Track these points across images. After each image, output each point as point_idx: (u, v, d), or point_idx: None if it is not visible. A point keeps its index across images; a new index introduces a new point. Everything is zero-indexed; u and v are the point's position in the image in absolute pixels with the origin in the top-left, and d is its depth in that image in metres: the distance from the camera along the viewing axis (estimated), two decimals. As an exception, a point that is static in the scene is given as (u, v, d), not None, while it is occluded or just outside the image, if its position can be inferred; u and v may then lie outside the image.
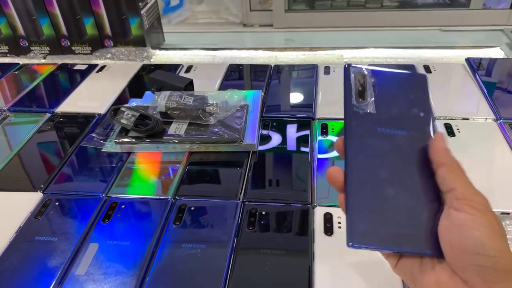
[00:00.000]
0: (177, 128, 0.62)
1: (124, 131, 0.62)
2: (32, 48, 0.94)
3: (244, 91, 0.70)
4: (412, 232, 0.30)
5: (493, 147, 0.59)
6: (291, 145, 0.61)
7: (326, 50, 0.92)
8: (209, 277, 0.44)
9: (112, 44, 0.91)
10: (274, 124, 0.66)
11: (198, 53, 0.94)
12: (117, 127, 0.64)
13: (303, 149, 0.60)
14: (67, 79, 0.84)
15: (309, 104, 0.70)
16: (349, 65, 0.35)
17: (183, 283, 0.44)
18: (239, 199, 0.53)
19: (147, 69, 0.86)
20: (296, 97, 0.73)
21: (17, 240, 0.50)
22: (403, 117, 0.33)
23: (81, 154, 0.63)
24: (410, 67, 0.79)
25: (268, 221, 0.50)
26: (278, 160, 0.59)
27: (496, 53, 0.88)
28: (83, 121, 0.71)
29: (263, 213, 0.51)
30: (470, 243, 0.27)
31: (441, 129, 0.62)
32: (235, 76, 0.82)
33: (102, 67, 0.87)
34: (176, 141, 0.60)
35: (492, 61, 0.80)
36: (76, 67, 0.87)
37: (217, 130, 0.61)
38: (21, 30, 0.92)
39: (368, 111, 0.33)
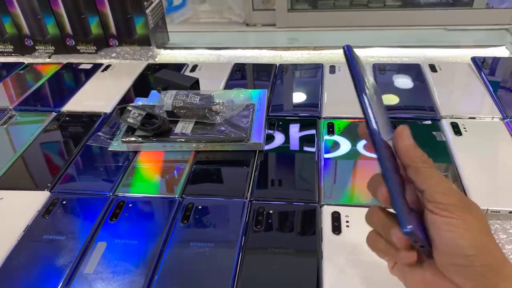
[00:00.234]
0: (184, 127, 0.62)
1: (131, 130, 0.62)
2: (37, 47, 0.94)
3: (250, 90, 0.70)
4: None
5: (500, 146, 0.59)
6: (298, 144, 0.61)
7: (331, 49, 0.92)
8: (217, 276, 0.44)
9: (117, 44, 0.91)
10: (280, 123, 0.66)
11: (203, 52, 0.94)
12: (124, 126, 0.64)
13: (309, 148, 0.60)
14: (72, 79, 0.85)
15: (315, 103, 0.70)
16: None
17: (192, 282, 0.44)
18: (246, 198, 0.53)
19: (152, 68, 0.86)
20: (301, 96, 0.73)
21: (25, 239, 0.50)
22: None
23: (87, 153, 0.63)
24: (415, 66, 0.79)
25: (276, 220, 0.50)
26: (284, 159, 0.59)
27: (502, 52, 0.88)
28: (89, 120, 0.71)
29: (271, 212, 0.51)
30: (446, 243, 0.27)
31: (447, 128, 0.62)
32: (240, 75, 0.82)
33: (107, 67, 0.87)
34: (183, 140, 0.60)
35: (498, 60, 0.80)
36: (81, 67, 0.88)
37: (224, 129, 0.61)
38: (26, 30, 0.92)
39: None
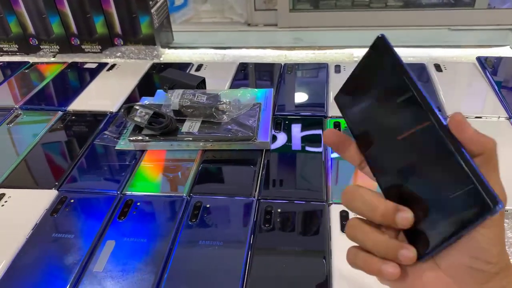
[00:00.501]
0: (191, 126, 0.62)
1: (138, 129, 0.62)
2: (41, 46, 0.94)
3: (256, 89, 0.71)
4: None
5: (507, 145, 0.59)
6: (304, 143, 0.62)
7: (336, 49, 0.92)
8: (227, 274, 0.44)
9: (122, 43, 0.91)
10: (287, 122, 0.66)
11: (208, 51, 0.94)
12: (130, 125, 0.64)
13: (316, 147, 0.61)
14: (78, 78, 0.85)
15: (320, 103, 0.70)
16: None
17: (201, 280, 0.44)
18: (254, 197, 0.53)
19: (157, 67, 0.86)
20: (307, 96, 0.73)
21: (34, 237, 0.50)
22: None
23: (94, 152, 0.63)
24: (420, 66, 0.79)
25: (284, 219, 0.50)
26: (291, 158, 0.59)
27: (506, 51, 0.88)
28: (95, 119, 0.71)
29: (279, 210, 0.51)
30: (474, 246, 0.26)
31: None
32: (246, 74, 0.82)
33: (112, 66, 0.87)
34: (190, 138, 0.60)
35: (503, 60, 0.80)
36: (86, 66, 0.88)
37: (231, 128, 0.61)
38: (31, 29, 0.92)
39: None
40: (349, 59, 0.87)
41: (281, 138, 0.63)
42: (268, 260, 0.45)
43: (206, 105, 0.61)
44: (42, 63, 0.91)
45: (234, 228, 0.49)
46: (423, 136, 0.27)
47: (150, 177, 0.58)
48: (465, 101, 0.69)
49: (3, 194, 0.56)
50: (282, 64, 0.83)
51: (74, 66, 0.88)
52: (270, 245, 0.47)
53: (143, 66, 0.86)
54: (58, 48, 0.94)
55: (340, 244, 0.46)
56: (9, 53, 0.96)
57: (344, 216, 0.49)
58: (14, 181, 0.58)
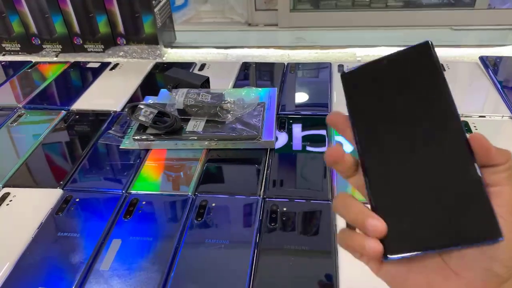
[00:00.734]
0: (195, 125, 0.62)
1: (142, 128, 0.62)
2: (44, 46, 0.94)
3: (260, 88, 0.71)
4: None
5: (511, 144, 0.59)
6: (308, 143, 0.62)
7: (338, 48, 0.92)
8: (233, 272, 0.44)
9: (124, 42, 0.91)
10: (291, 121, 0.66)
11: (210, 51, 0.94)
12: (135, 124, 0.64)
13: (320, 147, 0.61)
14: (81, 77, 0.85)
15: (324, 103, 0.70)
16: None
17: (207, 278, 0.44)
18: (259, 196, 0.53)
19: (160, 67, 0.86)
20: (311, 95, 0.73)
21: (40, 236, 0.50)
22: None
23: (98, 151, 0.63)
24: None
25: (290, 217, 0.50)
26: (296, 157, 0.60)
27: (508, 51, 0.88)
28: (99, 118, 0.71)
29: (284, 209, 0.51)
30: (493, 247, 0.25)
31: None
32: (249, 74, 0.82)
33: (115, 65, 0.87)
34: (195, 138, 0.60)
35: (506, 59, 0.80)
36: (89, 65, 0.88)
37: (235, 127, 0.61)
38: (33, 28, 0.92)
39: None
40: (352, 58, 0.87)
41: (285, 138, 0.63)
42: (274, 258, 0.46)
43: (210, 104, 0.61)
44: (45, 62, 0.91)
45: (239, 226, 0.49)
46: (441, 144, 0.27)
47: (155, 176, 0.58)
48: (468, 100, 0.69)
49: (8, 194, 0.56)
50: (285, 64, 0.83)
51: (76, 65, 0.88)
52: (276, 244, 0.47)
53: (146, 65, 0.86)
54: (61, 47, 0.94)
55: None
56: (12, 53, 0.96)
57: (349, 214, 0.49)
58: (18, 181, 0.58)
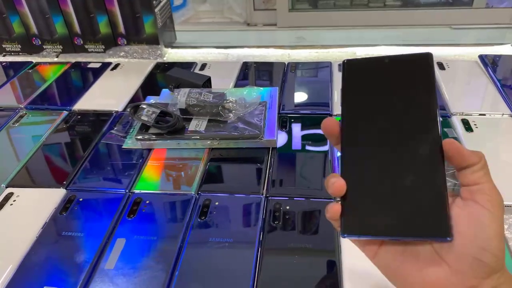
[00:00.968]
0: (197, 124, 0.62)
1: (145, 128, 0.62)
2: (45, 46, 0.94)
3: (261, 88, 0.71)
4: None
5: (511, 142, 0.59)
6: (310, 142, 0.62)
7: (339, 47, 0.92)
8: (237, 270, 0.44)
9: (125, 43, 0.91)
10: (292, 121, 0.66)
11: (211, 51, 0.94)
12: (137, 124, 0.64)
13: (322, 146, 0.61)
14: (82, 77, 0.85)
15: (325, 102, 0.71)
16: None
17: (212, 276, 0.44)
18: (262, 195, 0.53)
19: (161, 67, 0.86)
20: (312, 94, 0.73)
21: (44, 235, 0.50)
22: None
23: (101, 151, 0.63)
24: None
25: (293, 216, 0.50)
26: (298, 156, 0.60)
27: (507, 50, 0.89)
28: (100, 118, 0.71)
29: (287, 208, 0.51)
30: (482, 237, 0.27)
31: (458, 125, 0.63)
32: (250, 73, 0.82)
33: (116, 65, 0.87)
34: (197, 137, 0.60)
35: (505, 58, 0.81)
36: (90, 66, 0.88)
37: (237, 126, 0.61)
38: (34, 29, 0.92)
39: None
40: (352, 57, 0.88)
41: (286, 137, 0.63)
42: (278, 257, 0.46)
43: (212, 104, 0.62)
44: (45, 63, 0.91)
45: (243, 225, 0.50)
46: (416, 145, 0.30)
47: (158, 175, 0.58)
48: (468, 98, 0.70)
49: (11, 194, 0.56)
50: (286, 63, 0.84)
51: (77, 66, 0.89)
52: (280, 243, 0.47)
53: (147, 65, 0.87)
54: (61, 48, 0.94)
55: (349, 242, 0.46)
56: (12, 53, 0.96)
57: (352, 212, 0.50)
58: (21, 181, 0.59)
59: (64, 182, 0.57)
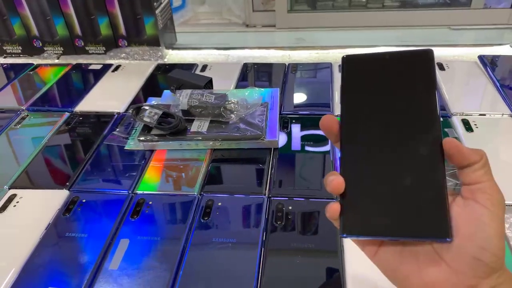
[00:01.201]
0: (200, 125, 0.62)
1: (147, 129, 0.62)
2: (45, 48, 0.95)
3: (263, 89, 0.71)
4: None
5: (511, 141, 0.60)
6: (312, 142, 0.62)
7: (339, 48, 0.93)
8: (241, 270, 0.45)
9: (126, 44, 0.92)
10: (293, 121, 0.67)
11: (212, 52, 0.95)
12: (139, 125, 0.64)
13: (323, 146, 0.61)
14: (83, 79, 0.85)
15: (326, 102, 0.71)
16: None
17: (216, 275, 0.44)
18: (265, 195, 0.54)
19: (162, 68, 0.86)
20: (312, 95, 0.74)
21: (48, 236, 0.50)
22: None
23: (103, 152, 0.63)
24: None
25: (295, 216, 0.51)
26: (300, 157, 0.60)
27: (506, 50, 0.89)
28: (102, 120, 0.71)
29: (290, 208, 0.52)
30: (482, 236, 0.27)
31: (458, 125, 0.63)
32: (251, 74, 0.82)
33: (118, 67, 0.87)
34: (199, 138, 0.61)
35: (504, 58, 0.81)
36: (91, 67, 0.88)
37: (239, 127, 0.61)
38: (35, 31, 0.92)
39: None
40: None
41: (288, 137, 0.64)
42: (281, 257, 0.46)
43: (214, 105, 0.62)
44: (46, 65, 0.91)
45: (246, 225, 0.50)
46: (416, 144, 0.29)
47: (160, 176, 0.58)
48: (468, 99, 0.70)
49: (15, 195, 0.56)
50: (286, 64, 0.84)
51: (78, 67, 0.89)
52: (282, 243, 0.48)
53: (148, 67, 0.87)
54: (62, 49, 0.94)
55: (352, 242, 0.47)
56: (13, 55, 0.97)
57: (354, 212, 0.50)
58: (24, 182, 0.59)
59: (67, 184, 0.58)
